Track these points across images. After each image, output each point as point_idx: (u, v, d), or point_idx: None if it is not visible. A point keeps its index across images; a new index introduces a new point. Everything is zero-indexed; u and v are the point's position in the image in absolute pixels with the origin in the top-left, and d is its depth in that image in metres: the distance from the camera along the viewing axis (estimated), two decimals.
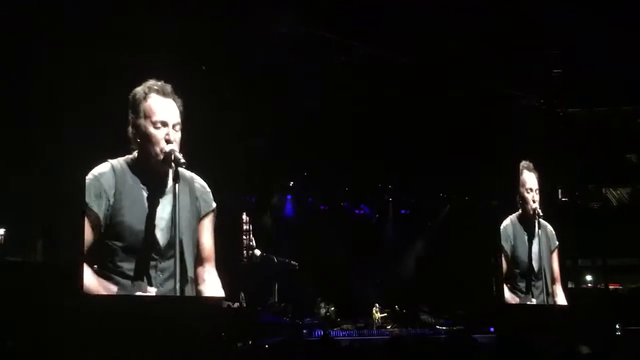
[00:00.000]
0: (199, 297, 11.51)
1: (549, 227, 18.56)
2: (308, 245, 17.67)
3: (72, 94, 10.54)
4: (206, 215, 11.74)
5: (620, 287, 22.84)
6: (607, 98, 20.91)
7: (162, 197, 11.12)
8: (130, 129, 11.04)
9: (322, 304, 16.75)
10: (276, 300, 16.00)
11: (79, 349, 9.53)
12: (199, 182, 11.77)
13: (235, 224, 14.81)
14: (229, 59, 12.79)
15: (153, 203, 11.05)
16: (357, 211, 19.55)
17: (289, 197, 17.81)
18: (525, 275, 17.69)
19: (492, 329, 16.09)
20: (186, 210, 11.41)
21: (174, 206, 11.02)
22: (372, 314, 17.34)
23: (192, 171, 11.52)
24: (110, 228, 10.66)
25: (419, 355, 5.90)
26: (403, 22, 14.21)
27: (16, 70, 10.54)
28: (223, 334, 11.99)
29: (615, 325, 16.18)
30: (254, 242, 15.86)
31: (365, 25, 14.21)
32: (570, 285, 19.11)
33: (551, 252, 18.53)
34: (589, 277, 22.91)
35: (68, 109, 10.50)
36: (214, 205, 11.90)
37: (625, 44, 16.90)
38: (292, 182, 17.35)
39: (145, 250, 10.90)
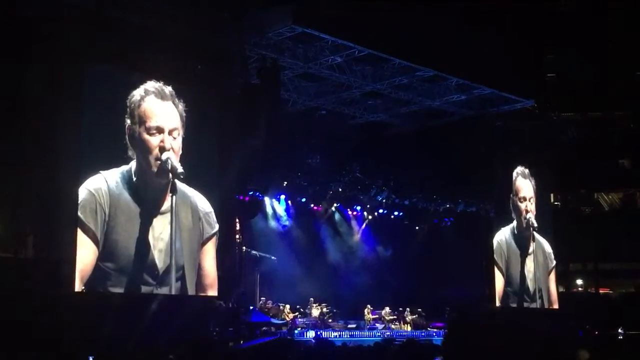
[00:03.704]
0: (191, 297, 11.24)
1: (546, 245, 17.69)
2: (301, 245, 17.63)
3: (68, 94, 10.32)
4: (209, 238, 10.85)
5: (611, 292, 22.90)
6: (600, 103, 21.01)
7: (161, 214, 10.20)
8: (126, 136, 10.24)
9: (315, 305, 16.69)
10: (261, 297, 15.87)
11: (70, 344, 9.42)
12: (202, 201, 10.85)
13: (228, 225, 14.62)
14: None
15: (151, 221, 10.09)
16: (351, 213, 19.48)
17: (282, 197, 17.70)
18: (517, 294, 16.94)
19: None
20: (188, 233, 10.44)
21: (171, 224, 10.02)
22: (363, 314, 17.29)
23: (186, 176, 10.58)
24: (104, 248, 9.76)
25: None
26: (400, 24, 14.19)
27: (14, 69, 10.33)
28: (215, 333, 11.91)
29: (618, 330, 16.02)
30: (243, 240, 15.74)
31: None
32: (561, 289, 19.10)
33: (548, 274, 17.66)
34: (579, 282, 22.94)
35: (64, 107, 10.29)
36: (217, 227, 10.92)
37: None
38: (285, 182, 17.26)
39: (140, 274, 10.00)
